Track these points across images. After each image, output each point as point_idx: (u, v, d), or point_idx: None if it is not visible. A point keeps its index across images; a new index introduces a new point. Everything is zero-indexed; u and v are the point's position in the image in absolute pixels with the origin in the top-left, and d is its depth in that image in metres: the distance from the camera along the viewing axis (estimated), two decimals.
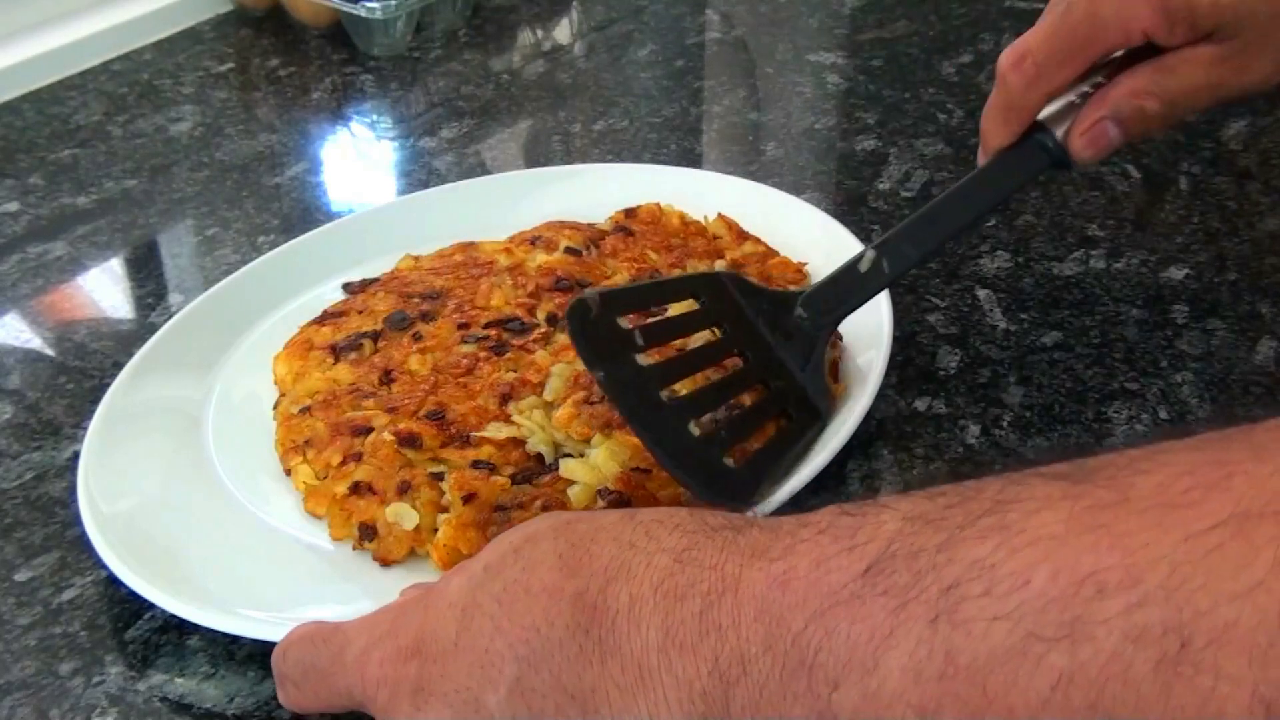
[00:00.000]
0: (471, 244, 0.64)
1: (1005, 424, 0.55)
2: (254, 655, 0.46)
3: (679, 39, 0.93)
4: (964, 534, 0.27)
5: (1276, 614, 0.23)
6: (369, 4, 0.89)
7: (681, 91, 0.86)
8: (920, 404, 0.56)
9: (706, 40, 0.94)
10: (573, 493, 0.47)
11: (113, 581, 0.50)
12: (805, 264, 0.60)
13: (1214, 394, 0.56)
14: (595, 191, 0.67)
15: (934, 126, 0.79)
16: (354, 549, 0.48)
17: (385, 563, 0.48)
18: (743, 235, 0.63)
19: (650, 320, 0.48)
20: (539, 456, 0.49)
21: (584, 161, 0.78)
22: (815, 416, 0.49)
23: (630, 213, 0.64)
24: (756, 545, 0.31)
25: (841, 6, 0.97)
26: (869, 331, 0.54)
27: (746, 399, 0.48)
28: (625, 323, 0.46)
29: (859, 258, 0.50)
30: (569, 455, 0.49)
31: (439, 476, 0.49)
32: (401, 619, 0.36)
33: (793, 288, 0.55)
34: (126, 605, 0.49)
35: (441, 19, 0.95)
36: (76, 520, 0.53)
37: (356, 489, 0.49)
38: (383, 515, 0.48)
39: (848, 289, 0.50)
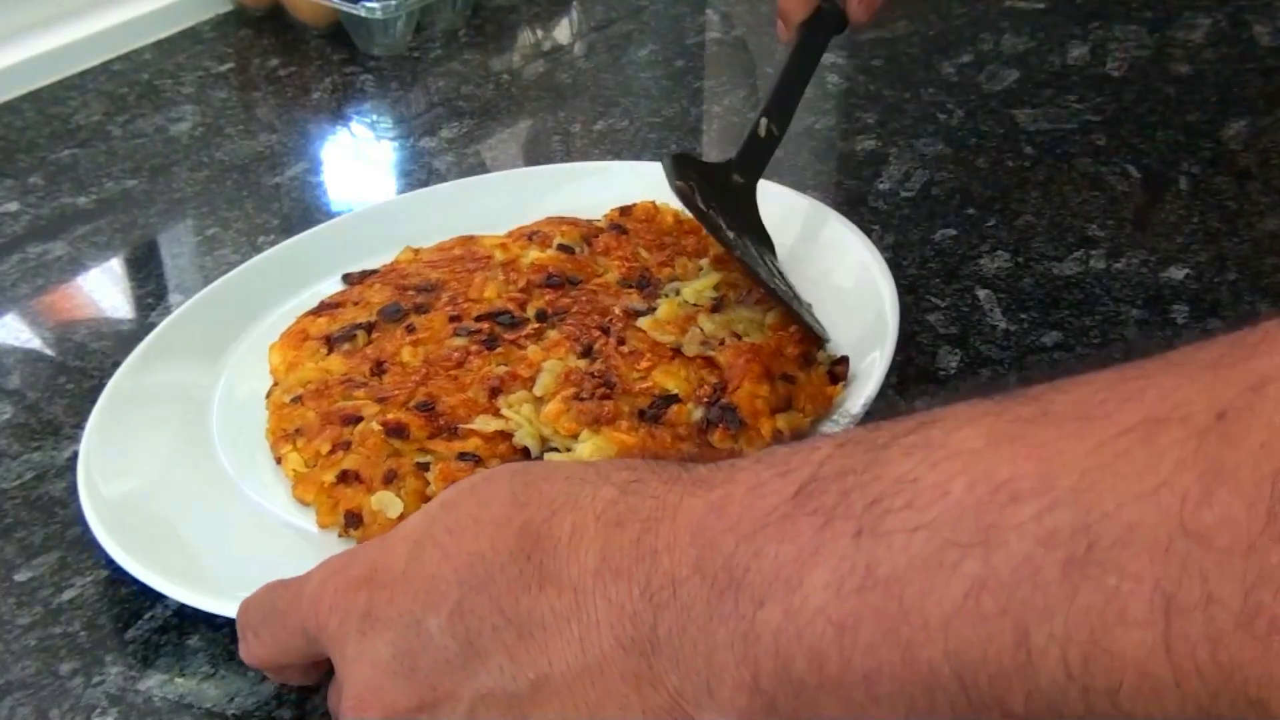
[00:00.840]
0: (471, 238, 0.64)
1: None
2: None
3: (679, 39, 0.93)
4: (888, 452, 0.28)
5: (1177, 512, 0.23)
6: (369, 4, 0.89)
7: (681, 91, 0.86)
8: (920, 404, 0.56)
9: (706, 40, 0.94)
10: None
11: (113, 581, 0.50)
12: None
13: None
14: (601, 188, 0.67)
15: (934, 126, 0.79)
16: (339, 536, 0.49)
17: None
18: None
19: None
20: (525, 450, 0.50)
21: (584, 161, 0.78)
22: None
23: (625, 210, 0.64)
24: (699, 477, 0.32)
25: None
26: (873, 331, 0.54)
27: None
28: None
29: (757, 125, 0.61)
30: (554, 450, 0.50)
31: (425, 467, 0.49)
32: (358, 554, 0.36)
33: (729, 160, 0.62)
34: (126, 605, 0.49)
35: (441, 19, 0.95)
36: (76, 520, 0.53)
37: (344, 477, 0.49)
38: (368, 503, 0.48)
39: (761, 152, 0.62)
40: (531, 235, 0.63)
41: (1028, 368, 0.58)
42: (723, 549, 0.29)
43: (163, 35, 0.95)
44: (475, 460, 0.49)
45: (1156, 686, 0.24)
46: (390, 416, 0.51)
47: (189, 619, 0.48)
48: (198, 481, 0.52)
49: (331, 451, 0.51)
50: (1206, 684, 0.23)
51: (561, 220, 0.64)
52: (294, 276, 0.64)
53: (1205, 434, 0.24)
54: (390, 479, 0.49)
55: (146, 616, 0.48)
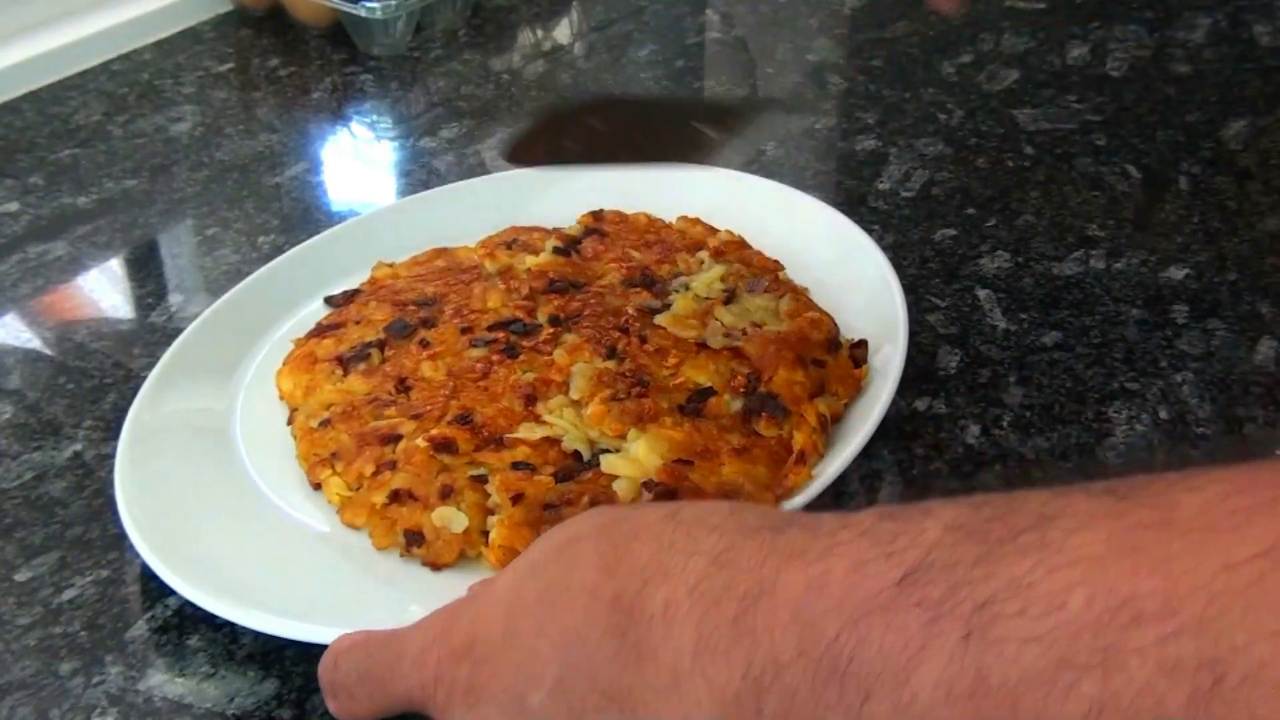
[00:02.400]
0: (446, 250, 0.64)
1: (1005, 424, 0.55)
2: (254, 655, 0.46)
3: (679, 39, 0.94)
4: (1003, 549, 0.27)
5: None
6: (369, 4, 0.89)
7: (681, 91, 0.86)
8: (920, 404, 0.56)
9: (706, 40, 0.94)
10: (618, 486, 0.47)
11: (113, 581, 0.50)
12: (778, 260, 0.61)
13: (1214, 394, 0.56)
14: (555, 195, 0.67)
15: (934, 126, 0.79)
16: (401, 556, 0.48)
17: (436, 567, 0.47)
18: (711, 228, 0.63)
19: None
20: (576, 454, 0.50)
21: None
22: None
23: (597, 215, 0.64)
24: (795, 546, 0.31)
25: (841, 6, 0.97)
26: (883, 330, 0.54)
27: None
28: None
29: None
30: (606, 451, 0.49)
31: (480, 479, 0.49)
32: (454, 620, 0.36)
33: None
34: (126, 605, 0.49)
35: (441, 19, 0.95)
36: (77, 520, 0.53)
37: (396, 497, 0.49)
38: (428, 520, 0.48)
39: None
40: (510, 244, 0.62)
41: (1028, 367, 0.58)
42: (825, 633, 0.29)
43: (163, 35, 0.95)
44: (530, 469, 0.48)
45: None
46: (434, 432, 0.50)
47: (189, 619, 0.48)
48: (244, 516, 0.51)
49: (376, 473, 0.50)
50: None
51: (531, 229, 0.64)
52: (274, 304, 0.62)
53: None
54: (447, 494, 0.48)
55: (146, 616, 0.48)
